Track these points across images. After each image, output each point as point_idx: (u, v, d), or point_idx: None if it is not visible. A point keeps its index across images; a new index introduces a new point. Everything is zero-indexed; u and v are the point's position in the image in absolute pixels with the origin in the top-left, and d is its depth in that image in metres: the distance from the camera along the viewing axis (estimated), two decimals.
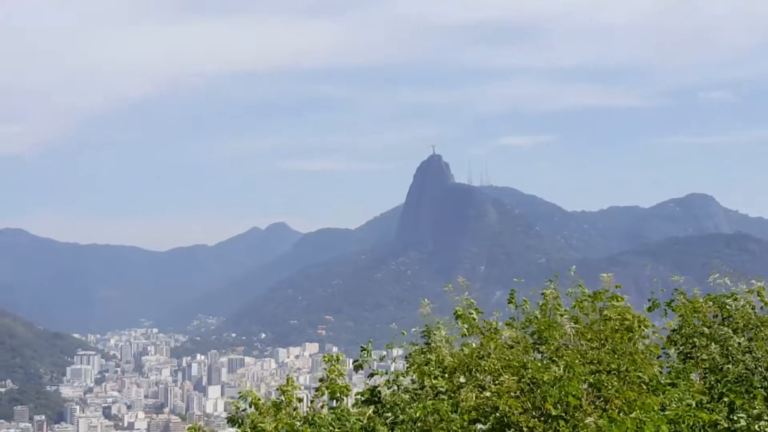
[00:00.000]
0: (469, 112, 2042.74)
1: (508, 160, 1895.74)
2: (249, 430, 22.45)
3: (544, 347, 21.38)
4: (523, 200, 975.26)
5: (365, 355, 23.14)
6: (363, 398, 22.30)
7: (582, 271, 23.85)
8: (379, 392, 22.01)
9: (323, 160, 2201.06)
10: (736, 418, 18.23)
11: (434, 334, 22.30)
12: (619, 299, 22.60)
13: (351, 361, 24.51)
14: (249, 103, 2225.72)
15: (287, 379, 24.30)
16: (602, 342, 21.64)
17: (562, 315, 22.24)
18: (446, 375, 20.96)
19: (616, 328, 21.97)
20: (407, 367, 22.32)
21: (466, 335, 22.16)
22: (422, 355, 22.03)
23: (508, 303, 22.69)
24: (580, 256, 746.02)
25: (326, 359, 23.69)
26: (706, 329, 23.09)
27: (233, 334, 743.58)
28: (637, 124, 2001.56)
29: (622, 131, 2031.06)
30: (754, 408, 18.42)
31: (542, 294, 22.77)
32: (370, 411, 21.72)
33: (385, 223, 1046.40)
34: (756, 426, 18.14)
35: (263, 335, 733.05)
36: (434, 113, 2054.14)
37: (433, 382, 20.86)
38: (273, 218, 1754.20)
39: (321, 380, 23.28)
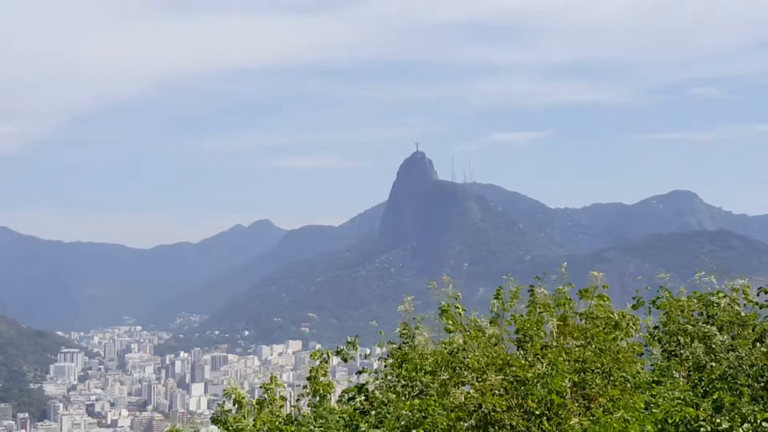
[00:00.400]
0: (453, 109, 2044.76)
1: (491, 157, 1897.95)
2: (230, 428, 22.29)
3: (528, 345, 21.24)
4: (506, 197, 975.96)
5: (350, 348, 23.01)
6: (349, 395, 22.14)
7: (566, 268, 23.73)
8: (367, 389, 21.85)
9: (308, 158, 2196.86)
10: (720, 421, 18.09)
11: (409, 334, 22.22)
12: (606, 299, 22.49)
13: (334, 358, 24.31)
14: (233, 101, 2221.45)
15: (270, 377, 24.14)
16: (588, 340, 21.53)
17: (552, 314, 22.11)
18: (428, 373, 20.83)
19: (601, 326, 21.86)
20: (386, 365, 22.15)
21: (450, 331, 22.01)
22: (403, 352, 21.94)
23: (495, 299, 22.53)
24: (564, 253, 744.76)
25: (314, 356, 23.49)
26: (690, 327, 22.98)
27: (216, 332, 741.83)
28: (621, 121, 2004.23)
29: (605, 128, 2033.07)
30: (742, 406, 18.28)
31: (529, 292, 22.64)
32: (357, 401, 21.55)
33: (368, 221, 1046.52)
34: (740, 429, 18.00)
35: (246, 332, 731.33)
36: (419, 111, 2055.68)
37: (417, 374, 20.71)
38: (257, 215, 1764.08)
39: (309, 378, 23.12)
